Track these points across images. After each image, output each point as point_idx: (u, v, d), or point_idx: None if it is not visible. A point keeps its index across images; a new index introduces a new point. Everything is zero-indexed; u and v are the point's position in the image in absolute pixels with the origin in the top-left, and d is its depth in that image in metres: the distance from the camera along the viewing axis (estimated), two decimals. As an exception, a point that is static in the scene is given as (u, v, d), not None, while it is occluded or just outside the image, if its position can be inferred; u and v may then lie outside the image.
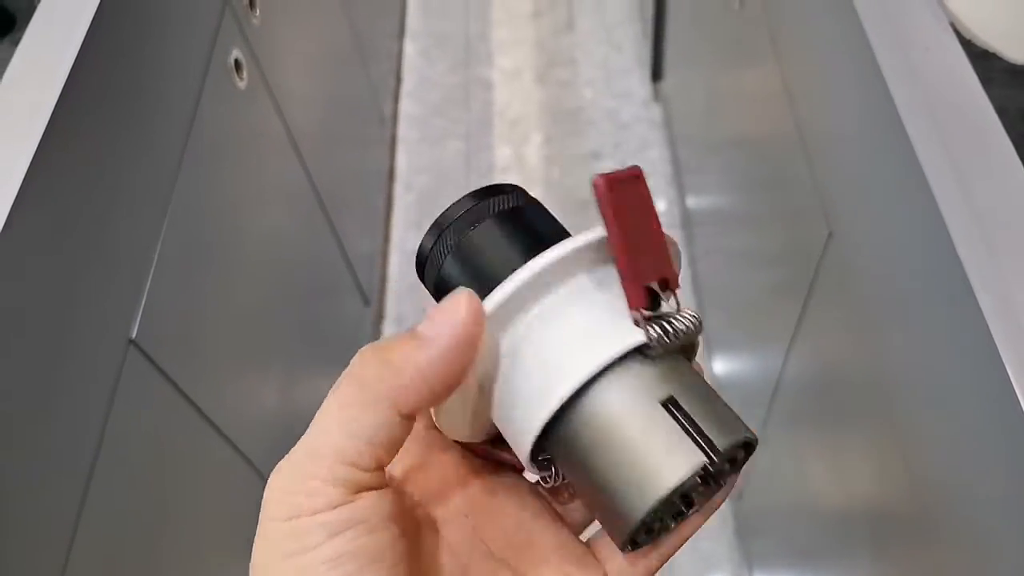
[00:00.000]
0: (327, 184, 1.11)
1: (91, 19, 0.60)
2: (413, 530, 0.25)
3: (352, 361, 0.22)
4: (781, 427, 0.90)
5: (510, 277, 0.23)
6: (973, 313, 0.43)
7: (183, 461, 0.67)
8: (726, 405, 0.24)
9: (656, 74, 1.65)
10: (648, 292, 0.23)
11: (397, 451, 0.22)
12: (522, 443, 0.23)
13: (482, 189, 0.27)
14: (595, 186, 0.22)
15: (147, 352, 0.61)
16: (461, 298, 0.21)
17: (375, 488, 0.22)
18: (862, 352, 0.63)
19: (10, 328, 0.48)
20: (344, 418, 0.21)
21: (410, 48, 1.88)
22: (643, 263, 0.23)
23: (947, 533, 0.51)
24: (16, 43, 0.59)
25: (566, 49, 1.83)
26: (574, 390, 0.22)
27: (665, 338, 0.22)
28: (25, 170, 0.50)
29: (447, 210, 0.27)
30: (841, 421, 0.71)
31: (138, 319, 0.60)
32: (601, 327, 0.23)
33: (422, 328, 0.22)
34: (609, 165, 1.62)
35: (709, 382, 0.25)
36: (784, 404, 0.87)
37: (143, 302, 0.61)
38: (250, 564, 0.22)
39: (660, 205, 1.55)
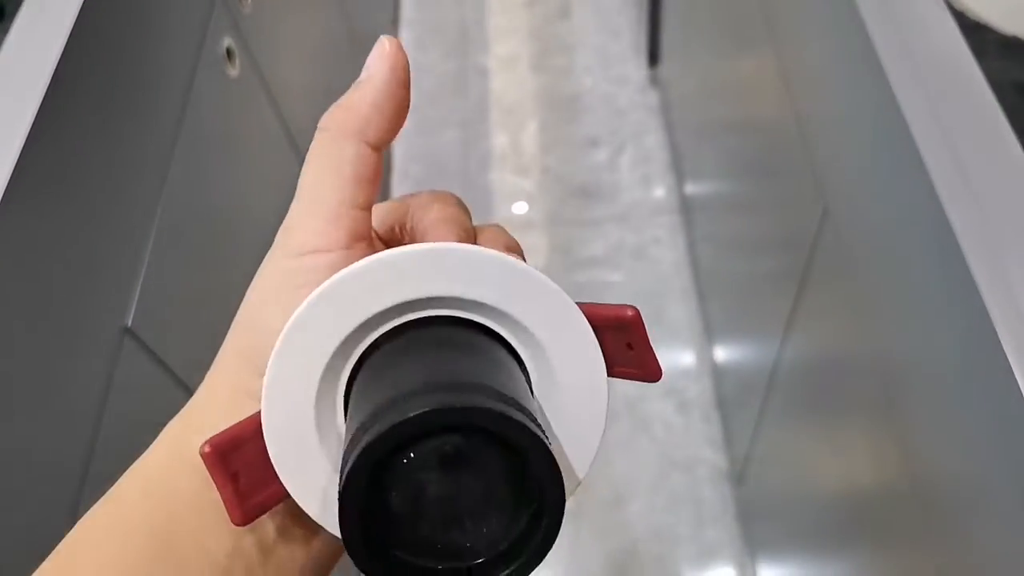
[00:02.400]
0: (323, 174, 1.11)
1: (79, 7, 0.59)
2: None
3: (318, 125, 0.24)
4: (780, 411, 0.90)
5: None
6: (968, 289, 0.43)
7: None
8: None
9: (653, 60, 1.64)
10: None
11: (376, 188, 0.24)
12: None
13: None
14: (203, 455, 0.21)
15: (143, 340, 0.61)
16: (384, 40, 0.24)
17: (367, 238, 0.24)
18: (858, 333, 0.63)
19: (3, 317, 0.48)
20: (329, 161, 0.23)
21: (405, 36, 1.88)
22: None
23: (946, 517, 0.51)
24: (5, 32, 0.59)
25: (562, 36, 1.82)
26: None
27: None
28: (15, 160, 0.50)
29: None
30: (839, 404, 0.71)
31: (133, 307, 0.60)
32: None
33: (362, 76, 0.24)
34: (606, 151, 1.62)
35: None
36: (782, 388, 0.87)
37: (138, 290, 0.61)
38: (245, 300, 0.24)
39: (658, 192, 1.55)
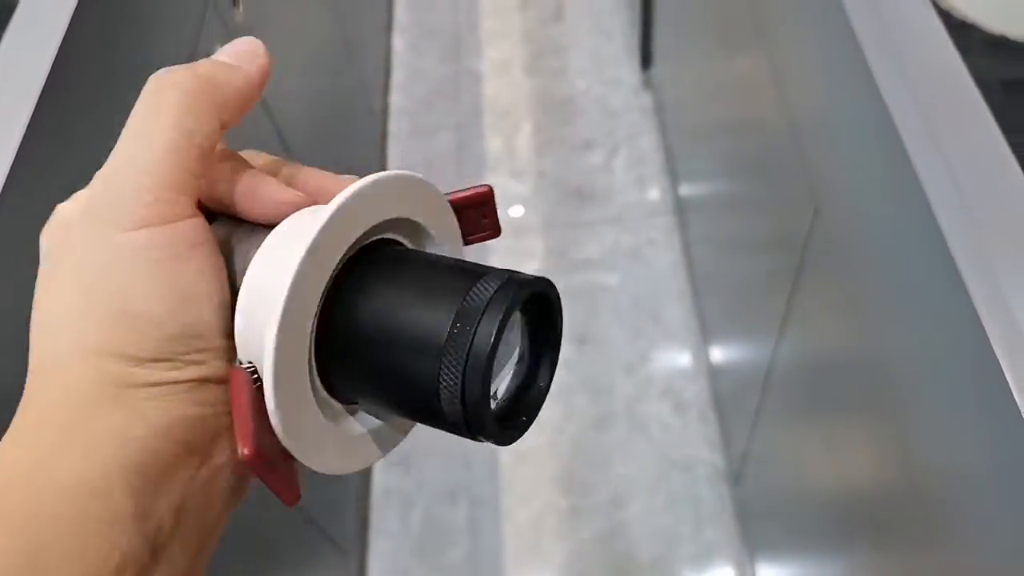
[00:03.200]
0: (317, 180, 1.11)
1: (71, 17, 0.59)
2: None
3: (162, 80, 0.23)
4: (777, 410, 0.90)
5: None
6: (956, 286, 0.43)
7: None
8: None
9: (646, 62, 1.65)
10: None
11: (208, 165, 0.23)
12: None
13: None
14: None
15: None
16: (257, 43, 0.25)
17: (200, 213, 0.23)
18: (851, 331, 0.64)
19: (10, 323, 0.48)
20: (184, 127, 0.22)
21: (398, 42, 1.88)
22: None
23: (943, 515, 0.51)
24: (-3, 42, 0.59)
25: (555, 38, 1.82)
26: None
27: None
28: (7, 170, 0.50)
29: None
30: (834, 402, 0.71)
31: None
32: None
33: (226, 60, 0.24)
34: (600, 153, 1.62)
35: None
36: (778, 387, 0.87)
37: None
38: (87, 288, 0.22)
39: (653, 193, 1.55)
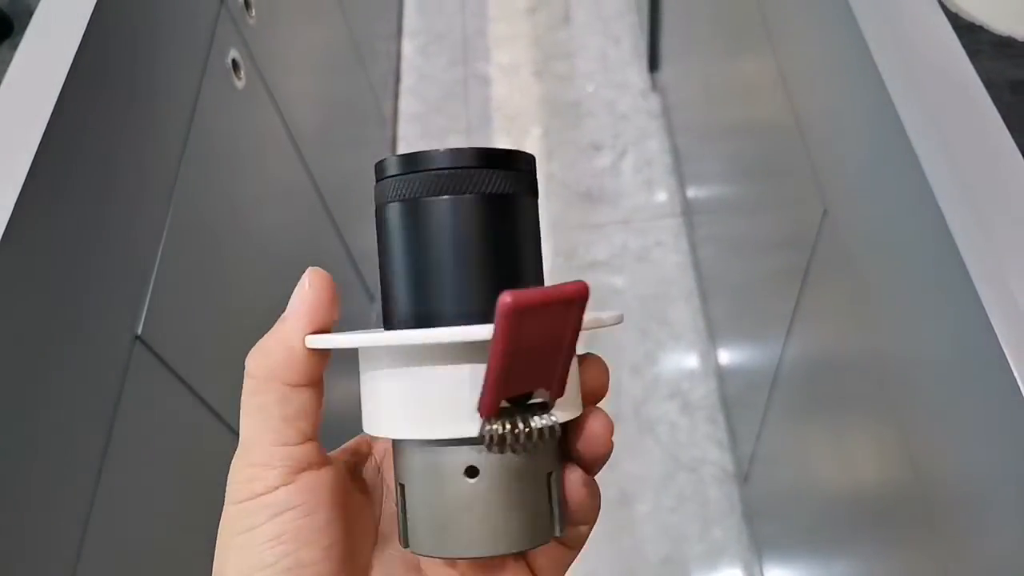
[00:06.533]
0: (329, 183, 1.12)
1: (87, 22, 0.60)
2: (360, 502, 0.27)
3: (246, 369, 0.26)
4: (785, 410, 0.91)
5: (408, 333, 0.23)
6: (965, 285, 0.43)
7: (192, 456, 0.68)
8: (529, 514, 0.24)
9: (653, 64, 1.65)
10: (512, 398, 0.23)
11: (312, 419, 0.25)
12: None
13: (491, 153, 0.25)
14: (499, 305, 0.21)
15: (153, 348, 0.62)
16: (306, 277, 0.26)
17: (315, 467, 0.25)
18: (860, 332, 0.64)
19: (16, 327, 0.48)
20: (255, 407, 0.25)
21: (408, 47, 1.89)
22: (519, 379, 0.23)
23: (950, 515, 0.51)
24: (15, 47, 0.60)
25: (563, 43, 1.83)
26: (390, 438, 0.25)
27: (496, 445, 0.23)
28: (26, 171, 0.51)
29: (438, 153, 0.25)
30: (842, 403, 0.71)
31: (143, 316, 0.61)
32: (447, 408, 0.24)
33: (286, 313, 0.26)
34: (608, 156, 1.63)
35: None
36: (786, 388, 0.88)
37: (148, 299, 0.62)
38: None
39: (660, 196, 1.56)
